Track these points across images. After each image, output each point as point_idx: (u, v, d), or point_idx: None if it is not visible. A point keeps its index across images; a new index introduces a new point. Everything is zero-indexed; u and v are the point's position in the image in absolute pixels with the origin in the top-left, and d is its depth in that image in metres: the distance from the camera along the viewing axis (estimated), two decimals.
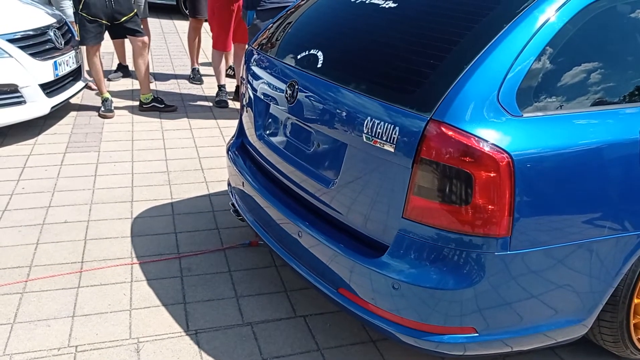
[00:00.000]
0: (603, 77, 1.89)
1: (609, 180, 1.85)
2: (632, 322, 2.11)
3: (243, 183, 2.57)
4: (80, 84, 4.78)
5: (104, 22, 4.57)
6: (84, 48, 4.75)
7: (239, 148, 2.78)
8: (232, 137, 2.93)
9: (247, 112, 2.68)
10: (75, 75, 4.75)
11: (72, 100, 4.85)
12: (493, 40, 1.78)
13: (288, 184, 2.34)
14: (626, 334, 2.11)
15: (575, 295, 1.92)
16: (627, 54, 1.95)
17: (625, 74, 1.95)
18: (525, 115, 1.76)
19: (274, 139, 2.44)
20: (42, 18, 4.53)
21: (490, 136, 1.70)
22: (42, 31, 4.38)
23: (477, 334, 1.85)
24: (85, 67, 4.94)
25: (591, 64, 1.87)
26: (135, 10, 4.71)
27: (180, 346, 2.26)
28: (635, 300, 2.08)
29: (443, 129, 1.71)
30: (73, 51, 4.65)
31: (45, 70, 4.24)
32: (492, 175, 1.69)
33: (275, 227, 2.33)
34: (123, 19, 4.60)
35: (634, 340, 2.15)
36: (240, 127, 2.82)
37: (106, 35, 4.76)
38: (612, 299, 2.02)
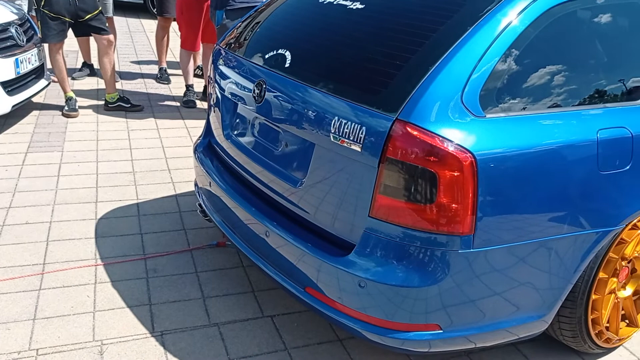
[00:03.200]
0: (564, 80, 1.94)
1: (568, 179, 1.90)
2: (590, 317, 2.17)
3: (210, 183, 2.56)
4: (43, 82, 4.67)
5: (67, 19, 4.47)
6: (46, 45, 4.64)
7: (207, 148, 2.77)
8: (200, 137, 2.91)
9: (214, 111, 2.67)
10: (37, 73, 4.64)
11: (35, 99, 4.73)
12: (457, 42, 1.81)
13: (256, 183, 2.33)
14: (584, 329, 2.18)
15: (535, 291, 1.97)
16: (588, 57, 2.02)
17: (586, 76, 2.00)
18: (488, 115, 1.80)
19: (241, 139, 2.43)
20: (3, 14, 4.41)
21: (455, 136, 1.73)
22: (3, 28, 4.26)
23: (441, 331, 1.88)
24: (48, 65, 4.82)
25: (553, 67, 1.93)
26: (100, 8, 4.62)
27: (146, 348, 2.23)
28: (593, 296, 2.14)
29: (408, 129, 1.74)
30: (35, 49, 4.54)
31: (5, 68, 4.13)
32: (455, 174, 1.72)
33: (243, 227, 2.32)
34: (87, 17, 4.51)
35: (591, 335, 2.21)
36: (208, 127, 2.80)
37: (70, 33, 4.66)
38: (571, 295, 2.08)
